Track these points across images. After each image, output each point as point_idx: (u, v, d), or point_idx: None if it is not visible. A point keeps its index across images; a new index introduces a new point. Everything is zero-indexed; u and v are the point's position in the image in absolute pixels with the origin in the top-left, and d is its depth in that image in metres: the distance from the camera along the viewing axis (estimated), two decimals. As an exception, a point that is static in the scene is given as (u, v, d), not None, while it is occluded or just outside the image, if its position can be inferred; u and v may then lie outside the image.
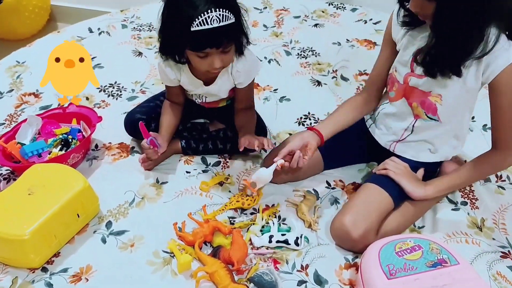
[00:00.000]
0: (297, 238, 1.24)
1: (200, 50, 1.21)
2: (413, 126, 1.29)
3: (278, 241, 1.24)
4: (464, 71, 1.12)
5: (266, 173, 1.29)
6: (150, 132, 1.35)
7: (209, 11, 1.13)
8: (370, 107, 1.40)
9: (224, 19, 1.15)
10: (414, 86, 1.24)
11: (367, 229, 1.19)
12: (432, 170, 1.36)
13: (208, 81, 1.40)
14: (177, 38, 1.22)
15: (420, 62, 1.16)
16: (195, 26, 1.14)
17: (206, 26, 1.14)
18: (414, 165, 1.32)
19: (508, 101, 1.12)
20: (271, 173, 1.29)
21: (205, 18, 1.14)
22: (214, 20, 1.14)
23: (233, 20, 1.18)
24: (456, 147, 1.33)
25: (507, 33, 1.08)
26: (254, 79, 1.45)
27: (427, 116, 1.25)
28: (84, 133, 1.48)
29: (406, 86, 1.26)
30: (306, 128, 1.36)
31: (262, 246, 1.24)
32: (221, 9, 1.15)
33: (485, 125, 1.65)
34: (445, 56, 1.10)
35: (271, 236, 1.24)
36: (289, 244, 1.24)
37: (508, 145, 1.18)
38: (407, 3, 1.15)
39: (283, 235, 1.24)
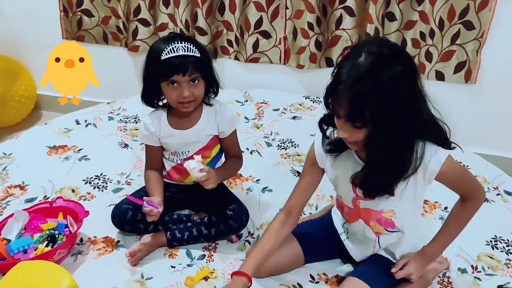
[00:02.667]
0: None
1: (169, 77, 1.39)
2: (378, 242, 1.36)
3: None
4: (403, 184, 1.20)
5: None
6: (144, 198, 1.42)
7: (176, 42, 1.37)
8: (288, 229, 1.35)
9: (189, 51, 1.38)
10: (365, 208, 1.30)
11: None
12: None
13: (187, 129, 1.53)
14: (152, 72, 1.43)
15: (358, 186, 1.21)
16: (164, 55, 1.37)
17: (173, 54, 1.37)
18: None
19: (457, 179, 1.23)
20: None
21: (173, 48, 1.37)
22: (180, 49, 1.37)
23: (198, 54, 1.40)
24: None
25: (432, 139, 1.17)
26: (236, 131, 1.59)
27: (388, 231, 1.32)
28: (70, 228, 1.50)
29: (358, 209, 1.32)
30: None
31: None
32: (187, 43, 1.39)
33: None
34: (381, 178, 1.16)
35: None
36: None
37: (474, 195, 1.27)
38: (328, 130, 1.22)
39: None
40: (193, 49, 1.39)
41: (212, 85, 1.51)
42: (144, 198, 1.43)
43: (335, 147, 1.24)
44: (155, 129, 1.53)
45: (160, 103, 1.54)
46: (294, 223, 1.36)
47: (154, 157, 1.59)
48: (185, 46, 1.38)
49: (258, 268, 1.30)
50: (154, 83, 1.44)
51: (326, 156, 1.28)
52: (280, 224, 1.34)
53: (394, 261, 1.36)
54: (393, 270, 1.31)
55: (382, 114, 1.03)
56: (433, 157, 1.16)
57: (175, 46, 1.37)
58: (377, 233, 1.34)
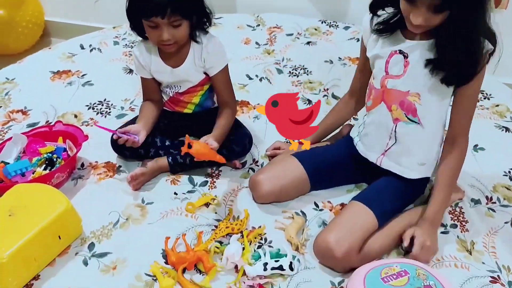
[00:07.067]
0: (291, 262, 1.21)
1: (146, 18, 1.27)
2: (395, 132, 1.28)
3: (273, 268, 1.19)
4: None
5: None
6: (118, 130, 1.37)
7: None
8: (351, 107, 1.48)
9: None
10: (392, 88, 1.24)
11: (349, 248, 1.18)
12: (420, 189, 1.37)
13: (176, 65, 1.42)
14: (133, 9, 1.31)
15: (442, 78, 1.16)
16: None
17: None
18: (404, 185, 1.32)
19: (471, 99, 1.22)
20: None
21: None
22: None
23: None
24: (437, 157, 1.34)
25: None
26: (227, 68, 1.45)
27: (408, 118, 1.25)
28: (69, 152, 1.46)
29: (384, 90, 1.27)
30: None
31: (257, 276, 1.19)
32: None
33: (476, 145, 1.63)
34: (463, 63, 1.12)
35: (265, 264, 1.19)
36: (284, 269, 1.19)
37: (463, 137, 1.27)
38: (379, 11, 1.22)
39: (276, 261, 1.20)
40: None
41: (202, 20, 1.37)
42: (119, 130, 1.37)
43: (385, 28, 1.23)
44: (145, 62, 1.44)
45: None
46: (358, 102, 1.46)
47: (149, 88, 1.51)
48: None
49: (316, 139, 1.52)
50: (137, 20, 1.34)
51: (370, 34, 1.29)
52: (343, 103, 1.50)
53: (400, 174, 1.32)
54: (404, 244, 1.22)
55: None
56: None
57: None
58: (395, 120, 1.27)
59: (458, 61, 1.12)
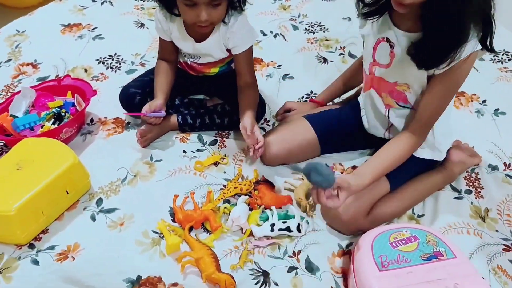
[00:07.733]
0: (299, 224, 1.19)
1: None
2: (388, 117, 1.23)
3: (280, 229, 1.18)
4: None
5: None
6: (142, 111, 1.32)
7: None
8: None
9: None
10: (380, 76, 1.18)
11: (356, 212, 1.16)
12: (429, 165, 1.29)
13: (199, 39, 1.35)
14: None
15: (416, 58, 1.05)
16: None
17: None
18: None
19: (450, 85, 1.08)
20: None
21: None
22: None
23: None
24: (442, 138, 1.24)
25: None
26: (252, 49, 1.37)
27: (399, 105, 1.19)
28: (78, 107, 1.44)
29: (372, 77, 1.21)
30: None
31: (264, 236, 1.18)
32: None
33: (497, 109, 1.56)
34: (441, 46, 0.99)
35: (272, 225, 1.18)
36: (291, 231, 1.18)
37: (424, 129, 1.15)
38: None
39: (284, 222, 1.18)
40: None
41: (237, 1, 1.29)
42: (145, 109, 1.32)
43: (373, 10, 1.12)
44: (167, 27, 1.36)
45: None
46: None
47: (167, 49, 1.44)
48: None
49: (329, 98, 1.50)
50: None
51: None
52: (358, 64, 1.41)
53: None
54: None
55: None
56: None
57: None
58: (387, 106, 1.22)
59: (439, 45, 0.99)
